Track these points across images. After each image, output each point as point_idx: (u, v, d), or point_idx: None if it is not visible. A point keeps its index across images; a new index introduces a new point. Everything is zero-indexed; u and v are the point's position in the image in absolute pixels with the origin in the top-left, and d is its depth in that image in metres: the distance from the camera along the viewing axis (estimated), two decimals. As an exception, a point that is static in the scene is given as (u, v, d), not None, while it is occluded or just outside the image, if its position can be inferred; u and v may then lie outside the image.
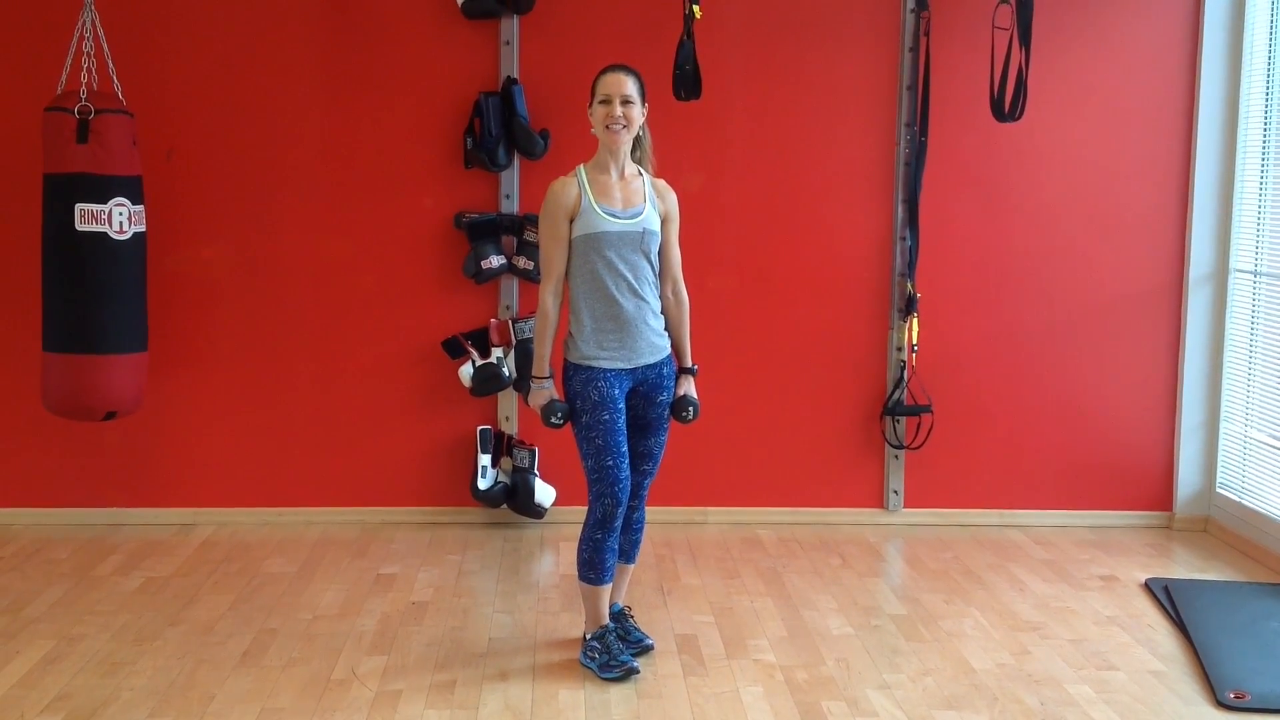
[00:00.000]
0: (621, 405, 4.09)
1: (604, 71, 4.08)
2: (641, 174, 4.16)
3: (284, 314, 5.68)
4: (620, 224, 4.04)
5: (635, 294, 4.06)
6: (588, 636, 4.22)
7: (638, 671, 4.11)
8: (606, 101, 4.03)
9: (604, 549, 4.12)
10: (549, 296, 4.10)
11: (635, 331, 4.08)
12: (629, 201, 4.08)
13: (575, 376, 4.10)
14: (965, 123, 5.65)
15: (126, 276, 5.11)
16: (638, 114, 4.07)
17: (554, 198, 4.07)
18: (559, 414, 4.12)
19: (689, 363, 4.28)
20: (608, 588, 4.20)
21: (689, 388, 4.26)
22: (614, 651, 4.13)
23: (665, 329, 4.20)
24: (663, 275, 4.18)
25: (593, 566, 4.14)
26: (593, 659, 4.15)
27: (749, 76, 5.67)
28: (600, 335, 4.07)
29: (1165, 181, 5.75)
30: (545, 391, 4.15)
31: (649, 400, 4.16)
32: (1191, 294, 5.76)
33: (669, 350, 4.21)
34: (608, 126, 4.03)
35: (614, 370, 4.07)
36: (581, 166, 4.12)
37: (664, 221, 4.15)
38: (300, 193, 5.64)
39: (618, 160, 4.09)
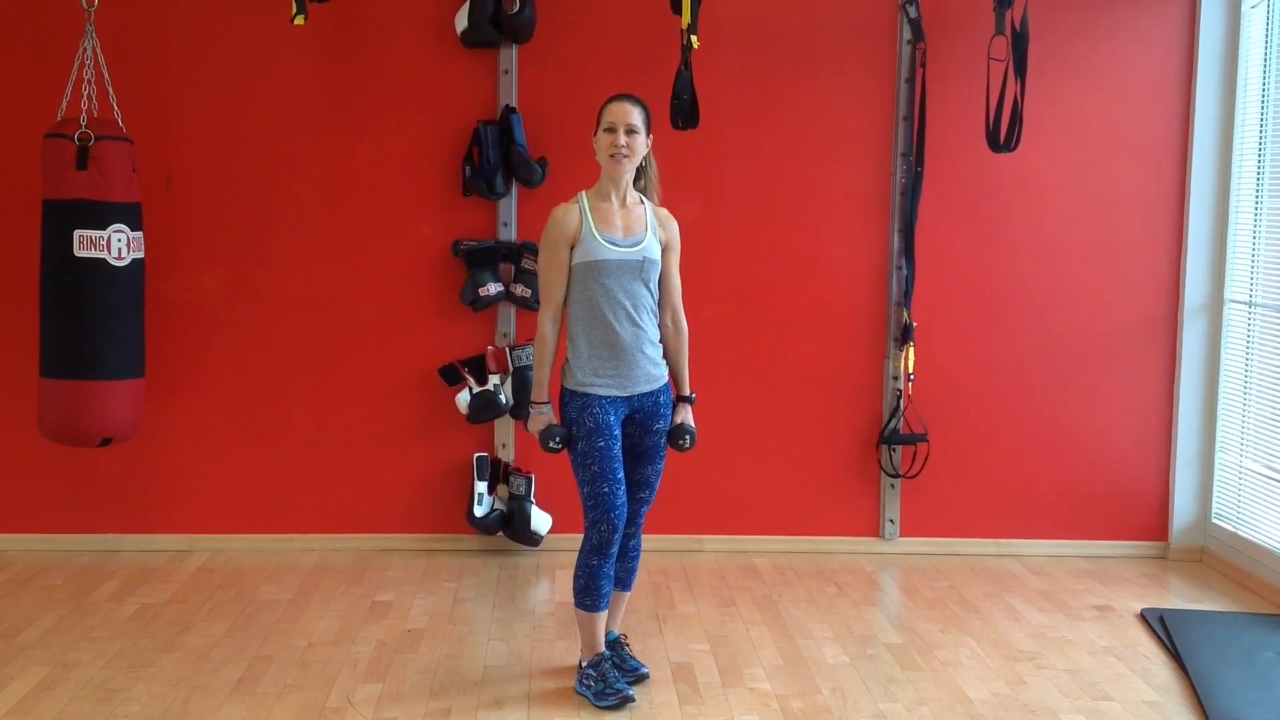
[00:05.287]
0: (617, 432, 4.10)
1: (611, 100, 4.10)
2: (644, 202, 4.18)
3: (282, 341, 5.69)
4: (620, 252, 4.05)
5: (633, 322, 4.08)
6: (583, 664, 4.22)
7: (633, 700, 4.10)
8: (611, 130, 4.05)
9: (600, 575, 4.12)
10: (547, 323, 4.12)
11: (631, 359, 4.08)
12: (630, 229, 4.10)
13: (571, 403, 4.11)
14: (961, 153, 5.68)
15: (124, 303, 5.12)
16: (641, 144, 4.09)
17: (555, 224, 4.08)
18: (557, 438, 4.13)
19: (687, 391, 4.29)
20: (604, 615, 4.20)
21: (686, 416, 4.26)
22: (610, 679, 4.12)
23: (663, 357, 4.21)
24: (662, 304, 4.20)
25: (589, 593, 4.13)
26: (588, 687, 4.15)
27: (746, 106, 5.70)
28: (596, 362, 4.08)
29: (1160, 212, 5.79)
30: (543, 416, 4.16)
31: (645, 428, 4.17)
32: (1187, 324, 5.78)
33: (666, 378, 4.21)
34: (611, 155, 4.05)
35: (609, 397, 4.08)
36: (584, 193, 4.14)
37: (665, 250, 4.17)
38: (299, 220, 5.66)
39: (619, 188, 4.11)
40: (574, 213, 4.08)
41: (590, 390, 4.08)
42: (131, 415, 5.19)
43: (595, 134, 4.11)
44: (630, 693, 4.11)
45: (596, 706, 4.09)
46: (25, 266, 5.29)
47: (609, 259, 4.04)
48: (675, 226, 4.22)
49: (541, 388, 4.16)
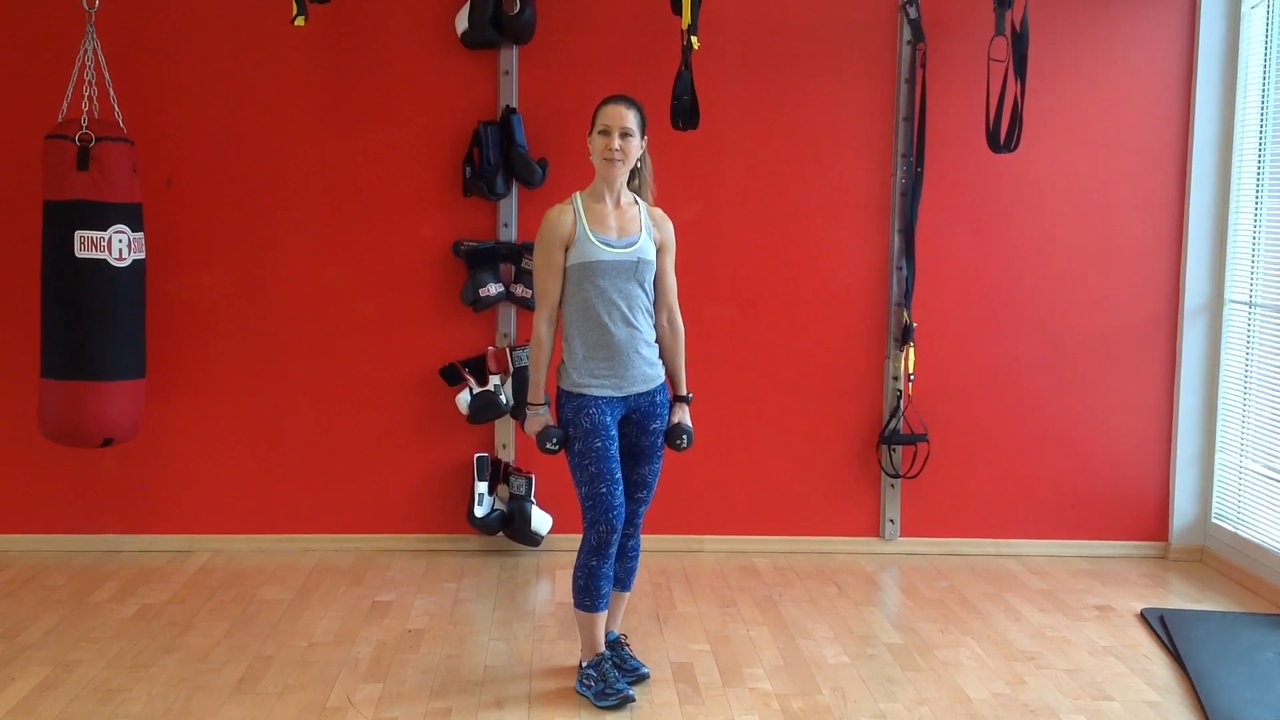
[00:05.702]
0: (614, 432, 4.10)
1: (606, 102, 4.10)
2: (638, 202, 4.18)
3: (282, 341, 5.69)
4: (615, 253, 4.05)
5: (628, 323, 4.08)
6: (584, 664, 4.22)
7: (634, 700, 4.11)
8: (605, 132, 4.05)
9: (599, 576, 4.12)
10: (543, 324, 4.12)
11: (626, 360, 4.09)
12: (624, 230, 4.10)
13: (568, 404, 4.11)
14: (961, 154, 5.69)
15: (125, 303, 5.12)
16: (635, 147, 4.09)
17: (549, 226, 4.09)
18: (554, 440, 4.13)
19: (684, 391, 4.29)
20: (603, 615, 4.20)
21: (683, 416, 4.27)
22: (610, 680, 4.13)
23: (659, 357, 4.21)
24: (658, 304, 4.20)
25: (588, 594, 4.14)
26: (588, 687, 4.15)
27: (746, 107, 5.70)
28: (592, 363, 4.08)
29: (1161, 212, 5.79)
30: (540, 418, 4.16)
31: (642, 428, 4.17)
32: (1187, 325, 5.78)
33: (662, 379, 4.22)
34: (605, 158, 4.06)
35: (605, 398, 4.08)
36: (578, 195, 4.14)
37: (659, 250, 4.17)
38: (299, 220, 5.66)
39: (613, 189, 4.12)
40: (568, 214, 4.08)
41: (586, 391, 4.08)
42: (132, 416, 5.19)
43: (590, 134, 4.11)
44: (631, 693, 4.12)
45: (597, 706, 4.09)
46: (26, 267, 5.29)
47: (603, 260, 4.04)
48: (670, 226, 4.22)
49: (538, 389, 4.17)
